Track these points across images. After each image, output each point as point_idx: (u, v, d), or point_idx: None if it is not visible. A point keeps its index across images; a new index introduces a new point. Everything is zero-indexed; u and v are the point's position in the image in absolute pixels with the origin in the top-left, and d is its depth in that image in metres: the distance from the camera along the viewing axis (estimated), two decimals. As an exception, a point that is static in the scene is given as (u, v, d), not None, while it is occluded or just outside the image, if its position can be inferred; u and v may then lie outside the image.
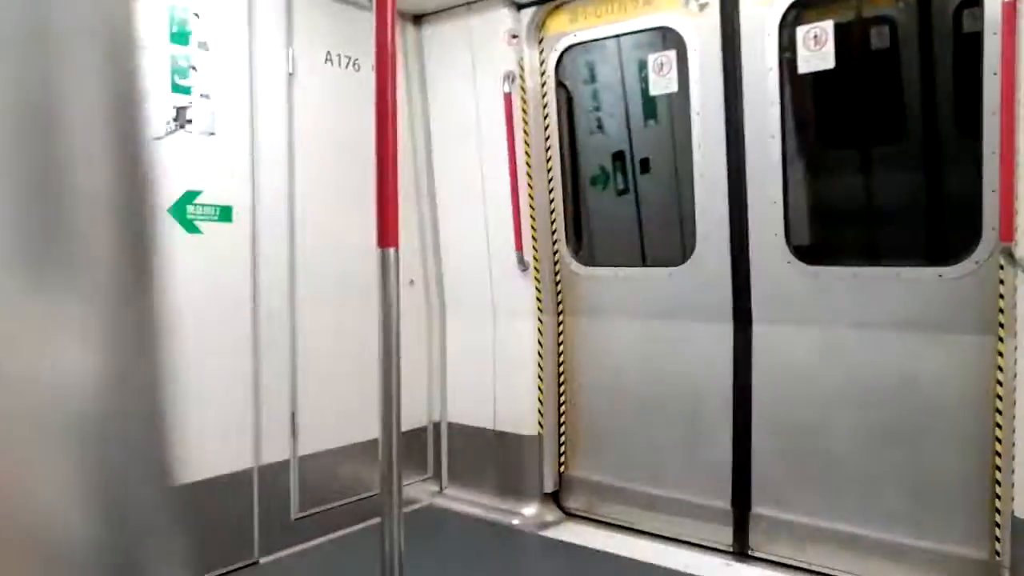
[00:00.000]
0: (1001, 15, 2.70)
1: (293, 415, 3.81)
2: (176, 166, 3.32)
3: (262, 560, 3.64)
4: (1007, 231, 2.72)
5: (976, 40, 2.98)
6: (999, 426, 2.97)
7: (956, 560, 3.11)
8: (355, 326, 3.95)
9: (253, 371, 3.63)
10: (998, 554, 2.98)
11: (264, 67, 3.67)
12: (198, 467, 3.41)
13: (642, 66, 3.96)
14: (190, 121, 3.37)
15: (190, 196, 3.38)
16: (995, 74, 2.84)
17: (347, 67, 4.04)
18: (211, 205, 3.46)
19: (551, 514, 4.21)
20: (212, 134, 3.46)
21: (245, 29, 3.59)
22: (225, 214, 3.52)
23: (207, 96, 3.43)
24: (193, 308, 3.38)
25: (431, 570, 3.52)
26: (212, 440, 3.47)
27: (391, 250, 1.98)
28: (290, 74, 3.78)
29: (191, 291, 3.38)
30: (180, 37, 3.33)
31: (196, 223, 3.41)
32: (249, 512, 3.62)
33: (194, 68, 3.38)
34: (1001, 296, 2.95)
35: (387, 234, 1.98)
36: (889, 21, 3.41)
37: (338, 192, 3.98)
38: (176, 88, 3.33)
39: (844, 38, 3.29)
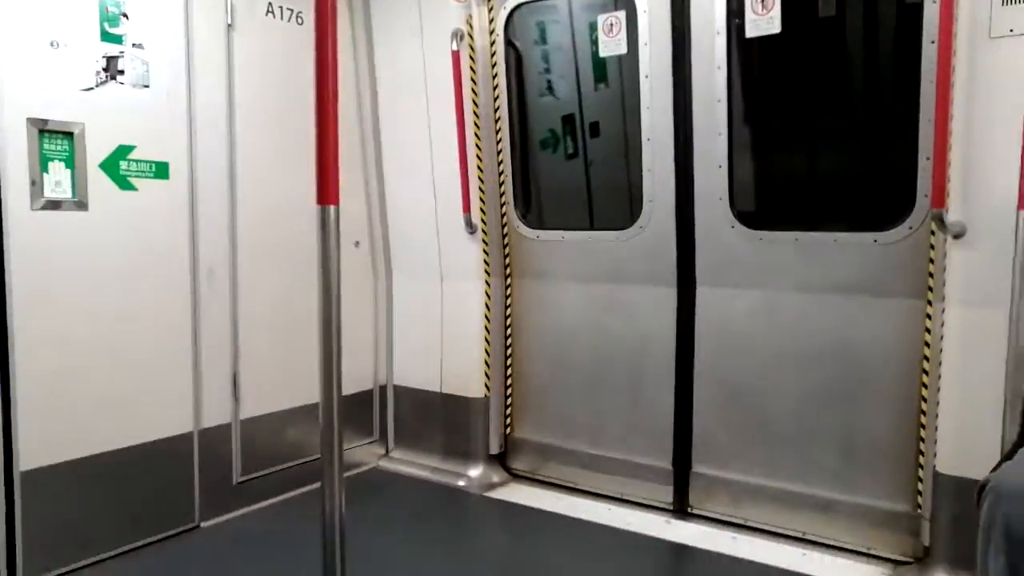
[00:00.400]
0: (941, -17, 2.74)
1: (235, 377, 3.74)
2: (107, 119, 3.18)
3: (203, 524, 3.60)
4: (939, 197, 2.80)
5: (917, 10, 3.02)
6: (925, 386, 3.10)
7: (882, 513, 3.25)
8: (299, 286, 3.88)
9: (192, 332, 3.55)
10: (920, 506, 3.13)
11: (201, 17, 3.51)
12: (137, 430, 3.35)
13: (592, 27, 3.92)
14: (122, 72, 3.22)
15: (123, 151, 3.25)
16: (933, 42, 2.89)
17: (289, 20, 3.90)
18: (146, 161, 3.33)
19: (497, 475, 4.25)
20: (146, 86, 3.32)
21: (180, -24, 3.43)
22: (161, 170, 3.40)
23: (140, 46, 3.28)
24: (128, 267, 3.28)
25: (376, 532, 3.53)
26: (151, 403, 3.39)
27: (331, 208, 1.93)
28: (229, 25, 3.63)
29: (125, 249, 3.27)
30: (109, -18, 3.16)
31: (130, 179, 3.28)
32: (190, 476, 3.57)
33: (126, 16, 3.22)
34: (931, 261, 3.05)
35: (327, 191, 1.92)
36: (836, -12, 3.44)
37: (281, 149, 3.87)
38: (106, 37, 3.17)
39: (791, 3, 3.30)
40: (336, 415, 2.00)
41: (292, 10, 3.90)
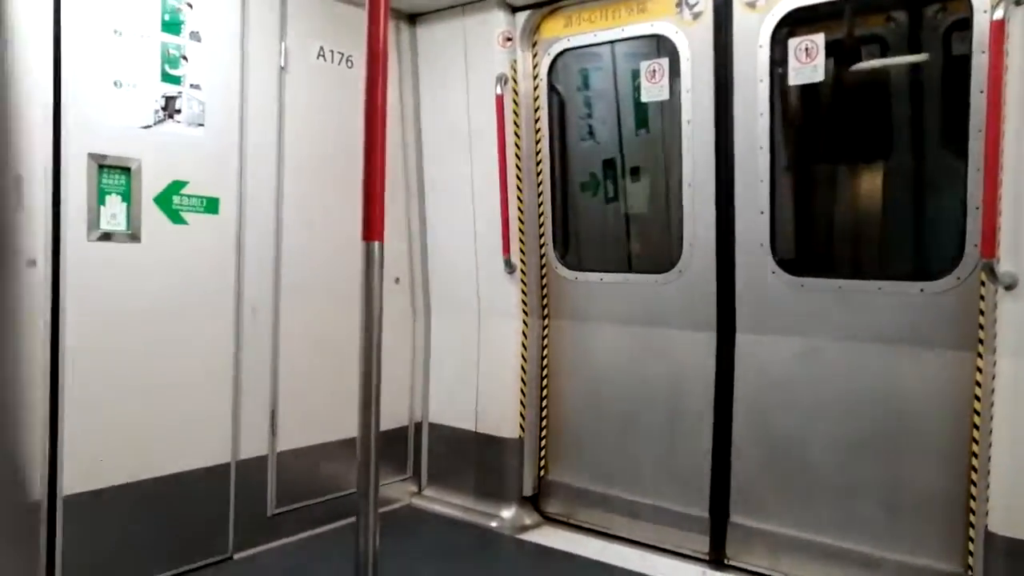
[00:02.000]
0: (989, 34, 2.73)
1: (273, 410, 3.78)
2: (163, 155, 3.30)
3: (236, 556, 3.61)
4: (989, 247, 2.74)
5: (963, 62, 3.01)
6: (976, 441, 3.00)
7: (929, 573, 3.13)
8: (340, 322, 3.93)
9: (234, 364, 3.60)
10: (970, 568, 3.00)
11: (256, 60, 3.65)
12: (177, 459, 3.39)
13: (635, 74, 3.97)
14: (179, 111, 3.35)
15: (176, 186, 3.36)
16: (981, 92, 2.87)
17: (340, 63, 4.03)
18: (198, 196, 3.44)
19: (529, 518, 4.20)
20: (201, 125, 3.44)
21: (238, 21, 3.57)
22: (212, 206, 3.50)
23: (197, 87, 3.42)
24: (176, 299, 3.37)
25: (406, 570, 3.50)
26: (191, 432, 3.44)
27: (375, 244, 1.98)
28: (282, 68, 3.77)
29: (174, 281, 3.36)
30: (172, 26, 3.31)
31: (182, 214, 3.39)
32: (225, 507, 3.59)
33: (185, 58, 3.37)
34: (981, 312, 2.98)
35: (372, 227, 1.97)
36: (880, 40, 3.44)
37: (327, 188, 3.96)
38: (166, 77, 3.31)
39: (835, 53, 3.32)
40: (373, 449, 2.01)
41: (343, 54, 4.03)
